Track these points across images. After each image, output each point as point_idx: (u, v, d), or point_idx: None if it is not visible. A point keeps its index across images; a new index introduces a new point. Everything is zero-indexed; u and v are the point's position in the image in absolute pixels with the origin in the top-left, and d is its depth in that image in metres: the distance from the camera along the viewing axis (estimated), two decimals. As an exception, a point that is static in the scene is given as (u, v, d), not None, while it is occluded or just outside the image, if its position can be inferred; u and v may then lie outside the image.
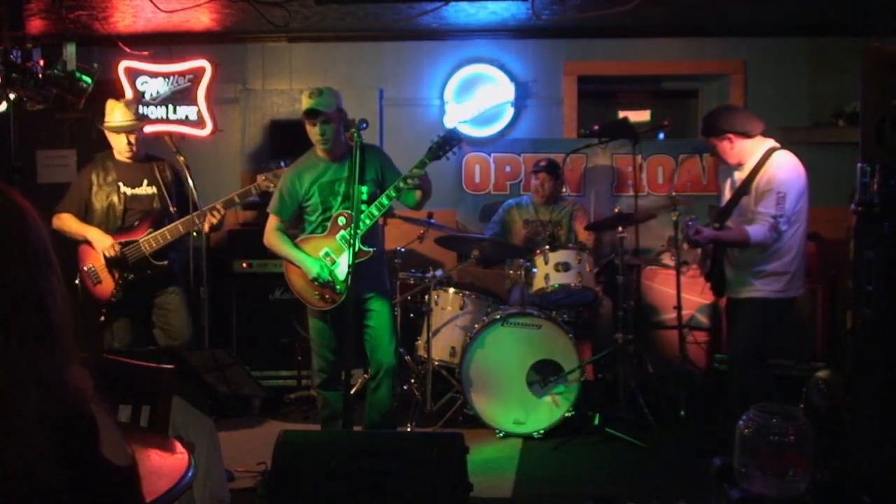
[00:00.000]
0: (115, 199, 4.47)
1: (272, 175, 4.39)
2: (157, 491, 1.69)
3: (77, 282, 4.42)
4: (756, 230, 3.91)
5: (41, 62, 3.96)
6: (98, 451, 1.23)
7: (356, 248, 3.70)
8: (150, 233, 4.41)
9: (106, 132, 4.53)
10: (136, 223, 4.46)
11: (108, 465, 1.24)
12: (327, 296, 4.02)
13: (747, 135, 4.04)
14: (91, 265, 4.41)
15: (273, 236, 4.11)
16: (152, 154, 4.68)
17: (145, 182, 4.52)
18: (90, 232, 4.41)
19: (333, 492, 2.73)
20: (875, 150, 2.89)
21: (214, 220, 4.43)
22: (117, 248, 4.36)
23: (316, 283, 3.99)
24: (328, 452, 2.79)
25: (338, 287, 3.98)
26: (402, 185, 3.93)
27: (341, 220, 4.00)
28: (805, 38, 5.93)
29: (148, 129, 5.50)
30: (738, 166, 4.12)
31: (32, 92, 3.91)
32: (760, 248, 3.96)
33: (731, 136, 4.04)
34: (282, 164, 4.45)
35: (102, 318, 4.42)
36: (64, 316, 1.28)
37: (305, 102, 3.94)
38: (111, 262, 4.38)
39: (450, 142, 3.97)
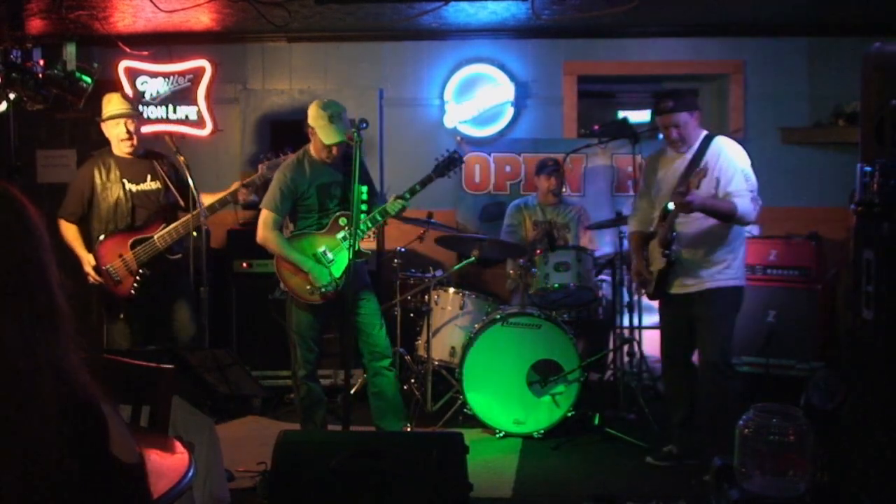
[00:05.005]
0: (120, 195, 4.46)
1: (273, 164, 4.39)
2: (158, 491, 1.68)
3: (99, 278, 4.44)
4: (742, 203, 3.85)
5: (41, 62, 3.98)
6: (108, 447, 1.23)
7: (356, 247, 3.77)
8: (163, 228, 4.44)
9: (103, 127, 4.49)
10: (150, 220, 4.49)
11: (117, 462, 1.24)
12: (322, 292, 4.09)
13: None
14: (110, 264, 4.45)
15: (273, 235, 4.13)
16: (150, 150, 4.66)
17: (148, 177, 4.52)
18: (81, 253, 4.45)
19: (333, 492, 2.73)
20: (875, 150, 2.88)
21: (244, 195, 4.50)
22: (96, 278, 4.41)
23: (322, 291, 4.07)
24: (328, 452, 2.79)
25: (337, 284, 4.10)
26: (408, 195, 4.11)
27: (342, 221, 4.13)
28: (805, 38, 5.93)
29: (148, 128, 5.52)
30: (683, 147, 4.01)
31: (32, 92, 3.91)
32: (742, 223, 3.93)
33: (697, 113, 4.04)
34: (282, 154, 4.43)
35: (122, 315, 4.49)
36: (65, 304, 1.30)
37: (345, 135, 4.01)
38: (128, 260, 4.42)
39: (456, 162, 4.22)
